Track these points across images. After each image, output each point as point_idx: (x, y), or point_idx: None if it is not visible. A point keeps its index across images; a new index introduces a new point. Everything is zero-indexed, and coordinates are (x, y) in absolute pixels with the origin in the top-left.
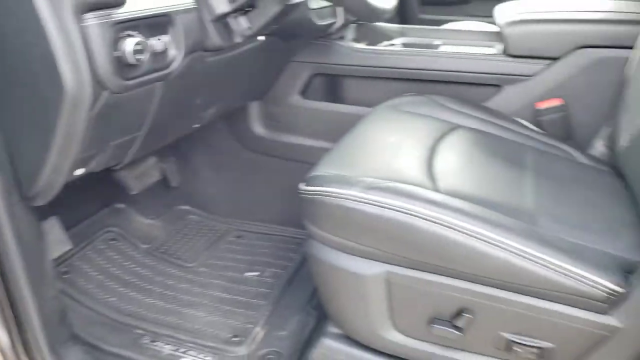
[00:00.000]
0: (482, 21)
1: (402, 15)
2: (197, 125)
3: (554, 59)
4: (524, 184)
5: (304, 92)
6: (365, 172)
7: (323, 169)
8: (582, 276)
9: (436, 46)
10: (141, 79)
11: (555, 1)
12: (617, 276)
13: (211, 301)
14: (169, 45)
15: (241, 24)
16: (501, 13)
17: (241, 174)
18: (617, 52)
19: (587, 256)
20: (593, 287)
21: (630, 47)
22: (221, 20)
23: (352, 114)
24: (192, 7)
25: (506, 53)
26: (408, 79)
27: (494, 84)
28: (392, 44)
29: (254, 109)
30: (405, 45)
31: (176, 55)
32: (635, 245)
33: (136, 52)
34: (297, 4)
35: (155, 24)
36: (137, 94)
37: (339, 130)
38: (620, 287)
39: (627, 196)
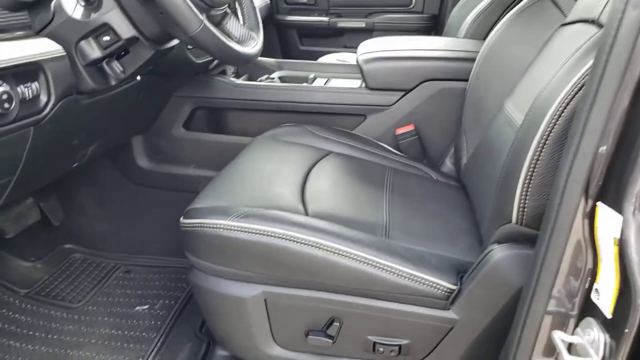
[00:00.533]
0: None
1: (283, 47)
2: (76, 164)
3: (406, 90)
4: (382, 202)
5: (187, 125)
6: (242, 201)
7: (201, 202)
8: (424, 279)
9: (311, 79)
10: (10, 126)
11: (405, 40)
12: (452, 276)
13: (100, 339)
14: (40, 92)
15: (115, 68)
16: (361, 50)
17: (127, 207)
18: (456, 84)
19: (429, 261)
20: (434, 287)
21: (466, 80)
22: (94, 65)
23: (234, 144)
24: (62, 54)
25: (367, 87)
26: (285, 111)
27: (360, 113)
28: (271, 78)
29: (138, 143)
30: (282, 78)
31: (47, 101)
32: (469, 248)
33: (3, 101)
34: (172, 47)
35: (24, 72)
36: (8, 139)
37: (222, 160)
38: (455, 285)
39: (467, 207)
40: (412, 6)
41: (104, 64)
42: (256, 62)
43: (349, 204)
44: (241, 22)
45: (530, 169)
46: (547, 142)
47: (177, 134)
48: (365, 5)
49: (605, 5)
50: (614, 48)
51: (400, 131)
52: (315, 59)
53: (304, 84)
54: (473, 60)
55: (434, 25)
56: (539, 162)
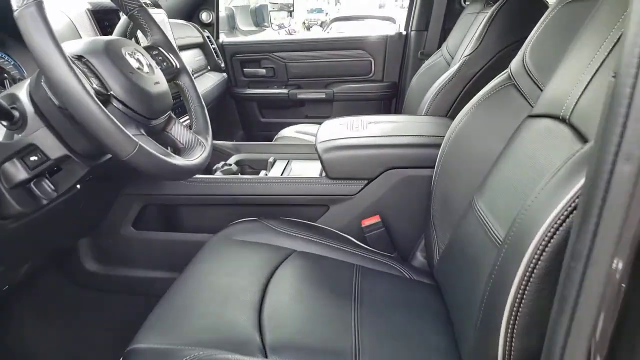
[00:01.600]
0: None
1: (244, 120)
2: (6, 287)
3: (369, 179)
4: (350, 319)
5: (137, 223)
6: (189, 339)
7: (145, 337)
8: None
9: (270, 163)
10: None
11: (367, 122)
12: None
13: None
14: None
15: (45, 187)
16: (320, 137)
17: (74, 315)
18: (421, 171)
19: None
20: None
21: (431, 167)
22: (21, 186)
23: (188, 242)
24: None
25: (327, 176)
26: (242, 204)
27: (322, 204)
28: (228, 164)
29: (84, 245)
30: (240, 162)
31: None
32: None
33: None
34: (109, 159)
35: None
36: None
37: (176, 259)
38: None
39: (444, 313)
40: (371, 75)
41: (32, 184)
42: (213, 145)
43: (313, 328)
44: (190, 125)
45: (515, 307)
46: (532, 277)
47: (126, 234)
48: (324, 75)
49: (576, 103)
50: (605, 210)
51: (365, 223)
52: (277, 131)
53: (261, 175)
54: (438, 146)
55: (395, 93)
56: (524, 299)
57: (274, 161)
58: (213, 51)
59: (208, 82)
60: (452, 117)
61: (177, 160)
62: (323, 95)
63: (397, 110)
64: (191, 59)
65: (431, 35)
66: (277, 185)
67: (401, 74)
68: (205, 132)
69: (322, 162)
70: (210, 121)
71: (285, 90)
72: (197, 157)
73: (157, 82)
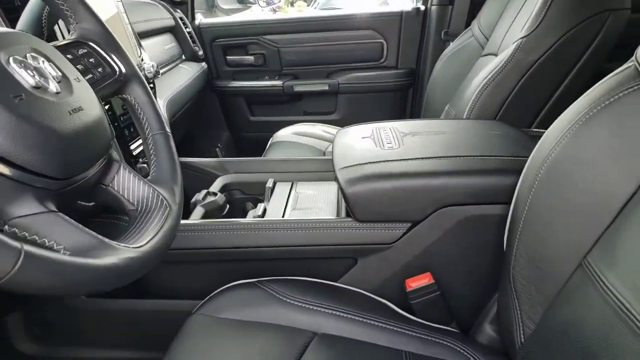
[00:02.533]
0: (317, 118)
1: (230, 120)
2: None
3: (414, 222)
4: None
5: None
6: None
7: None
8: None
9: (269, 188)
10: None
11: (400, 128)
12: None
13: None
14: None
15: None
16: (337, 159)
17: None
18: (490, 208)
19: None
20: None
21: (505, 203)
22: None
23: (160, 311)
24: None
25: (354, 218)
26: (234, 260)
27: (347, 256)
28: (212, 193)
29: (16, 321)
30: (227, 186)
31: None
32: None
33: None
34: None
35: None
36: None
37: (143, 334)
38: None
39: None
40: (383, 60)
41: None
42: (190, 165)
43: None
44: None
45: None
46: None
47: (74, 303)
48: (326, 62)
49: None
50: None
51: (412, 285)
52: (271, 131)
53: (257, 220)
54: (514, 172)
55: (412, 82)
56: None
57: (274, 185)
58: (188, 36)
59: (182, 77)
60: (506, 121)
61: (114, 256)
62: (325, 87)
63: (416, 103)
64: (159, 48)
65: (458, 10)
66: (282, 233)
67: (419, 59)
68: (170, 179)
69: (345, 199)
70: (188, 131)
71: (279, 82)
72: (152, 238)
73: (78, 109)
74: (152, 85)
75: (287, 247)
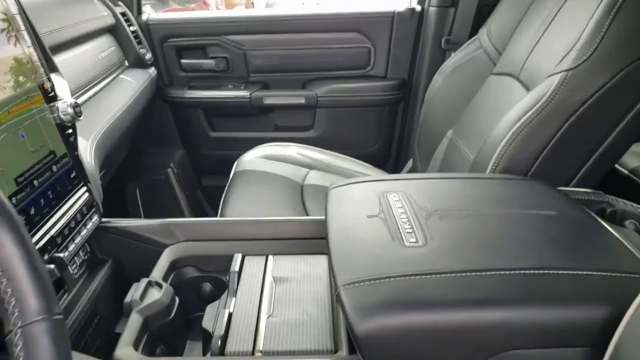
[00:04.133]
0: (290, 136)
1: (184, 136)
2: None
3: None
4: None
5: None
6: None
7: None
8: None
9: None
10: None
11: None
12: None
13: None
14: None
15: None
16: (339, 265)
17: None
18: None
19: None
20: None
21: (587, 346)
22: None
23: None
24: None
25: None
26: None
27: None
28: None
29: None
30: (177, 264)
31: None
32: None
33: None
34: None
35: None
36: None
37: None
38: None
39: None
40: (369, 69)
41: None
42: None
43: None
44: None
45: None
46: None
47: None
48: (302, 69)
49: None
50: None
51: None
52: (235, 148)
53: None
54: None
55: (404, 96)
56: None
57: (242, 262)
58: (132, 36)
59: (122, 96)
60: (541, 177)
61: None
62: (302, 100)
63: (407, 121)
64: (91, 58)
65: (462, 13)
66: None
67: (413, 68)
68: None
69: (354, 338)
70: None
71: (245, 92)
72: None
73: None
74: (70, 132)
75: None
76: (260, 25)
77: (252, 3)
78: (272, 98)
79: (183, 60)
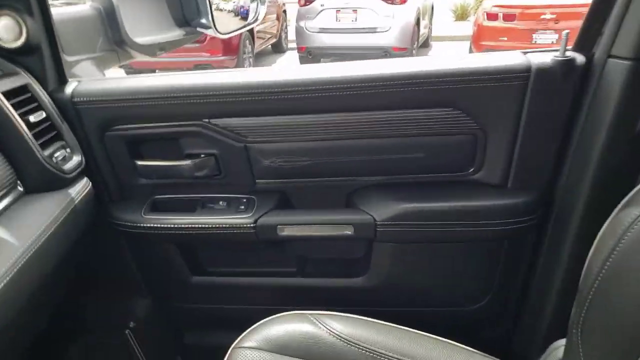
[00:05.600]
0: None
1: (152, 277)
2: None
3: None
4: None
5: None
6: None
7: None
8: None
9: None
10: None
11: None
12: None
13: None
14: None
15: None
16: None
17: None
18: None
19: None
20: None
21: None
22: None
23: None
24: None
25: None
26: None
27: None
28: None
29: None
30: None
31: None
32: None
33: None
34: None
35: None
36: None
37: None
38: None
39: None
40: (473, 171)
41: None
42: None
43: None
44: None
45: None
46: None
47: None
48: (350, 172)
49: None
50: None
51: None
52: (235, 304)
53: None
54: None
55: (541, 223)
56: None
57: None
58: (29, 136)
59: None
60: None
61: None
62: (348, 231)
63: (545, 270)
64: None
65: None
66: None
67: (560, 171)
68: None
69: None
70: None
71: (246, 218)
72: None
73: None
74: None
75: None
76: (277, 97)
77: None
78: (294, 227)
79: (140, 163)
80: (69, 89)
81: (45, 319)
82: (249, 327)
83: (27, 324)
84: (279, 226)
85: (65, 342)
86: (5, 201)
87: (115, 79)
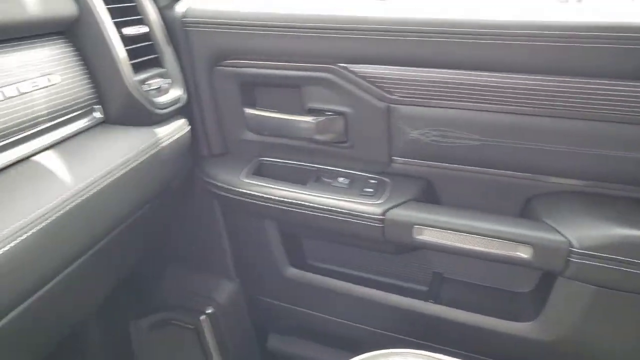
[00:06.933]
0: None
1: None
2: None
3: None
4: None
5: None
6: None
7: None
8: None
9: None
10: None
11: None
12: None
13: None
14: None
15: None
16: None
17: None
18: None
19: None
20: None
21: None
22: None
23: None
24: None
25: None
26: None
27: None
28: None
29: None
30: None
31: None
32: None
33: None
34: None
35: None
36: None
37: None
38: None
39: None
40: None
41: None
42: None
43: None
44: None
45: None
46: None
47: None
48: (529, 166)
49: None
50: None
51: None
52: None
53: None
54: None
55: None
56: None
57: None
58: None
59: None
60: None
61: None
62: (524, 254)
63: None
64: None
65: None
66: None
67: None
68: None
69: None
70: None
71: (375, 207)
72: None
73: None
74: None
75: None
76: (447, 40)
77: None
78: (437, 231)
79: (250, 111)
80: (182, 6)
81: (111, 282)
82: (350, 350)
83: (90, 281)
84: (415, 226)
85: (127, 314)
86: (76, 125)
87: (239, 1)
